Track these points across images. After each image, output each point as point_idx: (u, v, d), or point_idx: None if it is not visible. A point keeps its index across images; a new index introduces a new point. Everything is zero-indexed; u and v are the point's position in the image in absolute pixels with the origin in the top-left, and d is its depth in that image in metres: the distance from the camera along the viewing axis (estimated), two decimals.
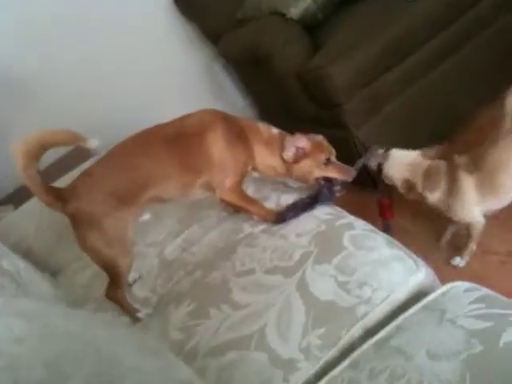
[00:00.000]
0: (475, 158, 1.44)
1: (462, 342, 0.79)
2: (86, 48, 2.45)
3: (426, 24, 1.95)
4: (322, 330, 0.97)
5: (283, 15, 2.09)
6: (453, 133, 2.11)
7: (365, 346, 0.89)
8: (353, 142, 2.00)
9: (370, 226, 1.18)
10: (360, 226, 1.18)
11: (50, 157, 2.28)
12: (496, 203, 1.49)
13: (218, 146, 1.34)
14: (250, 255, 1.25)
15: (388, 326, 0.90)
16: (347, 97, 1.91)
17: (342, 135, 2.03)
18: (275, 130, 1.43)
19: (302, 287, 1.06)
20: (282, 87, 2.11)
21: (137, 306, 1.32)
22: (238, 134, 1.38)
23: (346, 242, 1.12)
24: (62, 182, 1.56)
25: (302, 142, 1.38)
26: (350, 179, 1.43)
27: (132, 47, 2.55)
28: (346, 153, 2.04)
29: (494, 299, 0.86)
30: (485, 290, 0.89)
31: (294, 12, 2.07)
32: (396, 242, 1.11)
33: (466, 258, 1.63)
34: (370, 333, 0.94)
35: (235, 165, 1.36)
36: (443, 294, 0.92)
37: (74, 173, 1.78)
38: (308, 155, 1.39)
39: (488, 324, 0.80)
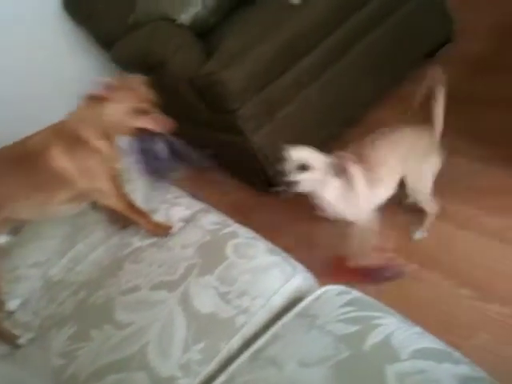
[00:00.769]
0: (358, 150, 1.52)
1: (330, 348, 0.81)
2: None
3: (316, 25, 1.99)
4: (201, 345, 0.96)
5: (174, 21, 2.07)
6: (347, 133, 2.19)
7: (241, 359, 0.89)
8: (250, 148, 2.01)
9: (253, 234, 1.19)
10: (244, 233, 1.18)
11: None
12: (383, 194, 1.56)
13: (65, 159, 1.27)
14: (136, 271, 1.21)
15: (264, 336, 0.91)
16: (241, 102, 1.91)
17: (239, 140, 2.03)
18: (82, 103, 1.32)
19: (185, 301, 1.05)
20: (176, 93, 2.08)
21: (18, 331, 1.25)
22: (76, 138, 1.28)
23: (228, 251, 1.12)
24: None
25: (112, 81, 1.27)
26: (164, 130, 1.33)
27: (18, 53, 2.41)
28: (247, 158, 2.06)
29: (363, 302, 0.89)
30: (355, 293, 0.91)
31: (184, 18, 2.05)
32: (277, 248, 1.12)
33: None
34: (248, 343, 0.94)
35: (94, 168, 1.29)
36: (316, 299, 0.94)
37: None
38: (113, 98, 1.25)
39: (355, 328, 0.83)
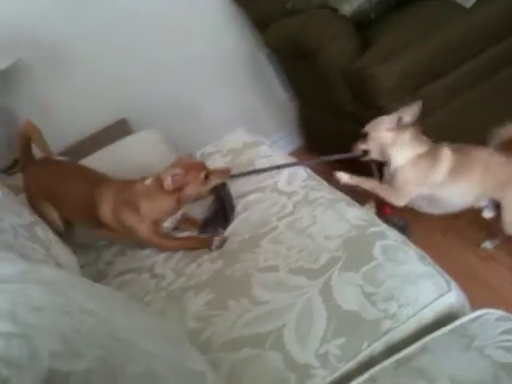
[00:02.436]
0: (463, 149, 1.56)
1: (488, 373, 0.75)
2: (128, 29, 2.44)
3: (482, 33, 1.89)
4: (342, 340, 0.94)
5: (334, 10, 2.04)
6: None
7: (386, 363, 0.85)
8: None
9: (402, 238, 1.14)
10: (392, 236, 1.13)
11: None
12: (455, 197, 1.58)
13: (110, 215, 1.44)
14: (274, 252, 1.22)
15: (412, 346, 0.87)
16: (391, 100, 1.86)
17: None
18: (148, 181, 1.40)
19: (326, 292, 1.03)
20: (325, 82, 2.07)
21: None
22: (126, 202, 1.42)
23: (376, 251, 1.08)
24: None
25: (174, 170, 1.36)
26: (227, 179, 1.47)
27: (178, 28, 2.53)
28: None
29: None
30: None
31: (347, 8, 2.02)
32: (429, 258, 1.06)
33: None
34: (391, 350, 0.91)
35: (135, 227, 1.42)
36: (473, 320, 0.88)
37: None
38: (187, 179, 1.37)
39: None
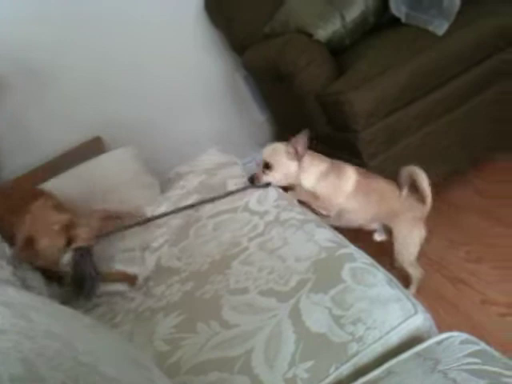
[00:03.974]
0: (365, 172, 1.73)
1: None
2: (106, 47, 2.46)
3: (454, 60, 1.94)
4: (310, 363, 0.93)
5: (310, 36, 2.08)
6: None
7: None
8: None
9: (371, 260, 1.15)
10: (361, 258, 1.14)
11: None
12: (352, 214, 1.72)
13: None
14: (245, 273, 1.22)
15: (378, 369, 0.87)
16: (364, 125, 1.89)
17: (356, 162, 2.00)
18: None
19: (295, 315, 1.03)
20: (301, 106, 2.09)
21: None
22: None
23: (345, 274, 1.09)
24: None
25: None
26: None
27: (156, 49, 2.56)
28: None
29: (490, 356, 0.83)
30: (482, 345, 0.85)
31: (322, 34, 2.06)
32: (396, 281, 1.08)
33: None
34: (358, 372, 0.91)
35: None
36: (438, 343, 0.89)
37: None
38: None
39: (482, 382, 0.77)
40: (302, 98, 2.05)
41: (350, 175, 1.68)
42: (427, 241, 1.70)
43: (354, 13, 2.08)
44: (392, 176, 1.74)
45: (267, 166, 1.66)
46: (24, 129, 2.40)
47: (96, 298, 1.38)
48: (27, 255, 1.24)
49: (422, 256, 1.75)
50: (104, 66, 2.48)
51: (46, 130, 2.45)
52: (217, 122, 2.84)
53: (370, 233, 1.83)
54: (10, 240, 1.40)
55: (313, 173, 1.67)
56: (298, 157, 1.66)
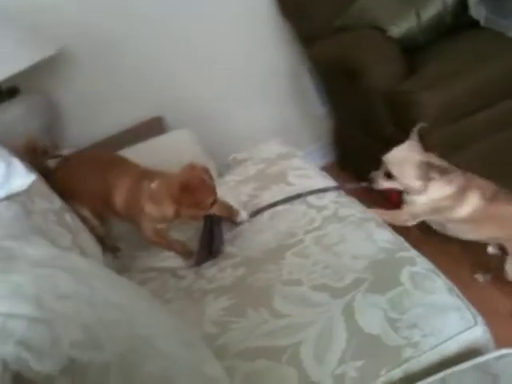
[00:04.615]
0: (496, 195, 1.49)
1: None
2: (177, 30, 2.47)
3: None
4: (360, 363, 0.92)
5: (383, 32, 2.03)
6: None
7: None
8: None
9: (431, 266, 1.11)
10: (422, 263, 1.11)
11: None
12: (463, 232, 1.59)
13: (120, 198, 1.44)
14: (299, 265, 1.21)
15: (432, 376, 0.85)
16: (431, 128, 1.83)
17: None
18: (153, 185, 1.37)
19: (348, 313, 1.02)
20: (366, 103, 2.05)
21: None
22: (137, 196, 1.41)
23: (403, 277, 1.06)
24: None
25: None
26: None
27: (224, 35, 2.55)
28: None
29: None
30: None
31: (396, 31, 2.01)
32: (457, 290, 1.04)
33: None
34: (410, 379, 0.89)
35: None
36: (497, 358, 0.85)
37: None
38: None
39: None
40: (368, 95, 2.00)
41: (470, 202, 1.48)
42: None
43: (430, 12, 2.02)
44: None
45: (389, 175, 1.52)
46: (89, 103, 2.46)
47: (148, 272, 1.40)
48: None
49: None
50: (172, 48, 2.50)
51: (109, 106, 2.49)
52: (277, 113, 2.82)
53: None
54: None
55: (434, 194, 1.50)
56: (429, 179, 1.47)
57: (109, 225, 1.68)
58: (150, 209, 1.38)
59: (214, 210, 1.38)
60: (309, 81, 2.79)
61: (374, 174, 1.57)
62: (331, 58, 2.21)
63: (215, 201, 1.35)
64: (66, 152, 1.73)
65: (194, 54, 2.56)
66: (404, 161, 1.51)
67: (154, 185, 1.37)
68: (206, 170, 1.40)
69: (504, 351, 0.87)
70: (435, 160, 1.49)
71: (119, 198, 1.43)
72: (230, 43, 2.58)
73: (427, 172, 1.45)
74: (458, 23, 2.07)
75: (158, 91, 2.56)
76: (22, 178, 1.16)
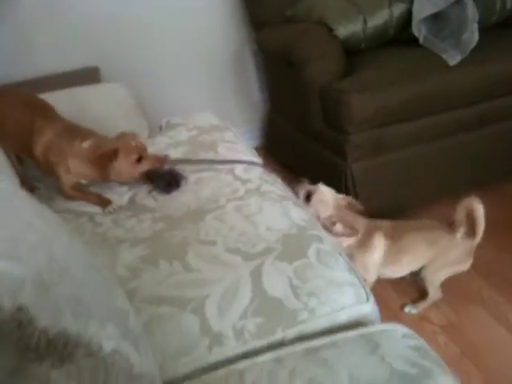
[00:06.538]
0: (396, 228, 1.67)
1: (384, 378, 0.83)
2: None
3: (456, 92, 2.02)
4: (260, 320, 0.99)
5: (329, 29, 2.12)
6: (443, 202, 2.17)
7: (295, 347, 0.91)
8: (345, 172, 2.04)
9: (338, 248, 1.21)
10: (329, 243, 1.20)
11: None
12: (391, 273, 1.74)
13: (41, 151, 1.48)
14: (216, 228, 1.26)
15: (322, 339, 0.93)
16: (357, 129, 1.96)
17: (338, 162, 2.07)
18: (86, 144, 1.45)
19: (256, 275, 1.08)
20: (302, 95, 2.14)
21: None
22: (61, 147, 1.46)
23: (310, 251, 1.15)
24: None
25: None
26: (162, 167, 1.48)
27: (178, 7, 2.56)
28: (334, 179, 2.09)
29: (426, 352, 0.90)
30: (421, 341, 0.93)
31: (341, 31, 2.11)
32: (356, 271, 1.14)
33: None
34: (302, 339, 0.97)
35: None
36: (382, 331, 0.95)
37: None
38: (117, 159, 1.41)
39: (414, 371, 0.84)
40: (306, 88, 2.09)
41: (377, 245, 1.65)
42: None
43: (376, 20, 2.14)
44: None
45: (308, 197, 1.67)
46: (25, 38, 2.36)
47: (64, 214, 1.39)
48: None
49: None
50: (123, 5, 2.48)
51: (47, 47, 2.42)
52: (215, 89, 2.86)
53: None
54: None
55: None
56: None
57: (26, 166, 1.65)
58: (74, 165, 1.43)
59: (146, 166, 1.44)
60: (252, 65, 2.85)
61: (298, 184, 1.72)
62: (276, 46, 2.28)
63: (141, 157, 1.43)
64: None
65: (146, 15, 2.54)
66: (328, 198, 1.67)
67: (86, 144, 1.41)
68: (133, 134, 1.50)
69: (388, 326, 0.97)
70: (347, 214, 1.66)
71: (41, 145, 1.45)
72: (182, 12, 2.58)
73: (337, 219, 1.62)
74: (400, 37, 2.21)
75: (98, 42, 2.51)
76: None
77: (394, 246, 1.64)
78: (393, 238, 1.65)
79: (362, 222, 1.66)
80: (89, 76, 2.35)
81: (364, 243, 1.64)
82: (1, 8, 2.24)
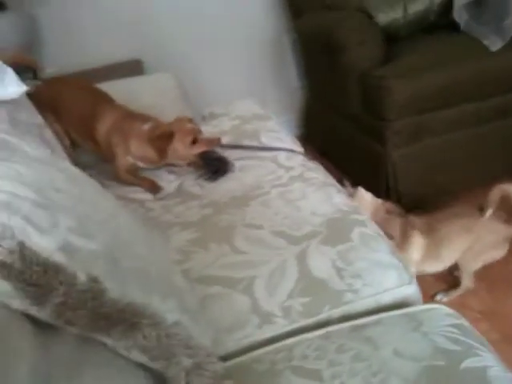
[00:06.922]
0: (430, 223, 1.68)
1: (428, 353, 0.87)
2: None
3: (497, 78, 2.00)
4: (306, 299, 1.04)
5: (370, 17, 2.13)
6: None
7: (342, 325, 0.96)
8: (384, 159, 2.06)
9: (380, 232, 1.24)
10: (372, 227, 1.24)
11: None
12: (431, 268, 1.74)
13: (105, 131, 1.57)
14: (261, 213, 1.31)
15: (367, 318, 0.98)
16: (397, 115, 1.97)
17: (377, 149, 2.08)
18: (146, 126, 1.51)
19: (301, 258, 1.13)
20: (341, 82, 2.16)
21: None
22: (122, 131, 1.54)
23: (354, 235, 1.18)
24: None
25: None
26: (214, 148, 1.54)
27: None
28: (374, 165, 2.11)
29: (468, 330, 0.94)
30: (463, 320, 0.96)
31: (382, 18, 2.12)
32: (399, 255, 1.17)
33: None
34: (348, 319, 1.01)
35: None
36: (425, 311, 0.99)
37: None
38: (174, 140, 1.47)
39: (456, 348, 0.88)
40: (345, 75, 2.11)
41: (415, 244, 1.66)
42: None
43: (417, 7, 2.13)
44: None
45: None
46: (72, 30, 2.45)
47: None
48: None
49: None
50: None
51: (92, 39, 2.50)
52: (254, 77, 2.88)
53: None
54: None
55: None
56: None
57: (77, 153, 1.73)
58: (134, 146, 1.50)
59: (201, 148, 1.50)
60: (291, 53, 2.86)
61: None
62: (316, 32, 2.30)
63: (196, 139, 1.49)
64: (48, 72, 1.76)
65: (184, 6, 2.59)
66: (366, 202, 1.70)
67: (146, 126, 1.49)
68: (188, 119, 1.57)
69: (431, 306, 1.01)
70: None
71: (103, 128, 1.54)
72: (221, 0, 2.62)
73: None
74: (440, 23, 2.19)
75: (141, 34, 2.57)
76: (14, 86, 1.20)
77: (431, 241, 1.66)
78: (428, 233, 1.66)
79: (397, 223, 1.68)
80: (133, 68, 2.42)
81: (401, 244, 1.66)
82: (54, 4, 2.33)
